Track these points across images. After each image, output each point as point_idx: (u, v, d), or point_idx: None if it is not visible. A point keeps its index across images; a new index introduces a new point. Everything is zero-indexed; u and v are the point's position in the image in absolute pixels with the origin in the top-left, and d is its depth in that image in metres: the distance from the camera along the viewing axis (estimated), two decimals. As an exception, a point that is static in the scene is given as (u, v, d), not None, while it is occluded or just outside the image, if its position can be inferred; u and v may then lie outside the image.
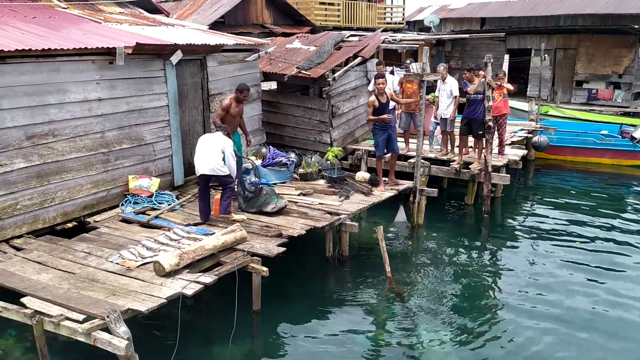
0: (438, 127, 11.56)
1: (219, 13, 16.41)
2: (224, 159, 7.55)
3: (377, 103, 9.11)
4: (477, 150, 10.95)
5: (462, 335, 6.61)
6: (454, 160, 11.04)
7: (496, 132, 10.98)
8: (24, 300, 5.48)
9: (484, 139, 10.44)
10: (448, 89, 10.75)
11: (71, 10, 9.89)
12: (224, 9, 16.65)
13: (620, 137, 15.13)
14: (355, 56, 12.43)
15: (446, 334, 6.62)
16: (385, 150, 9.57)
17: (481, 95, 10.29)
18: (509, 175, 10.99)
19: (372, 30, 18.36)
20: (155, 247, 6.67)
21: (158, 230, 7.42)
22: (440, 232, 10.04)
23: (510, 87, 11.48)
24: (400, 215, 10.12)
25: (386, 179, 9.71)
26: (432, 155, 11.46)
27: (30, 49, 6.77)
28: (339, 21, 21.34)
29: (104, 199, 8.11)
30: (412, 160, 10.68)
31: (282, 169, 9.70)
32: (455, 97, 10.68)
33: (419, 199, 9.82)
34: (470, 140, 11.14)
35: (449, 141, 11.50)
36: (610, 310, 7.18)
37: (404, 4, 26.15)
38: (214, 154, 7.50)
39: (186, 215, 7.90)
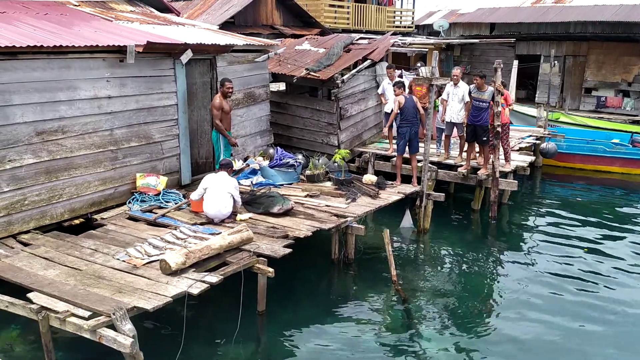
0: (454, 131, 11.37)
1: (229, 13, 16.44)
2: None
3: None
4: (483, 156, 10.90)
5: (466, 341, 6.58)
6: (461, 165, 11.00)
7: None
8: (30, 295, 5.50)
9: (489, 145, 10.42)
10: (460, 93, 10.68)
11: (83, 7, 9.93)
12: (234, 9, 16.69)
13: (631, 146, 15.06)
14: (364, 59, 12.43)
15: (450, 339, 6.59)
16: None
17: (486, 103, 10.24)
18: (516, 182, 10.94)
19: (381, 33, 18.35)
20: (161, 246, 6.67)
21: (165, 228, 7.43)
22: (446, 237, 10.01)
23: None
24: (407, 220, 10.10)
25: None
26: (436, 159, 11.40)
27: (41, 46, 6.79)
28: (348, 24, 21.33)
29: (112, 196, 8.13)
30: (419, 164, 10.64)
31: (289, 170, 9.69)
32: (467, 102, 10.60)
33: (426, 203, 9.79)
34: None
35: (457, 146, 11.47)
36: (615, 319, 7.14)
37: (413, 7, 26.09)
38: (225, 200, 7.57)
39: (193, 214, 7.90)
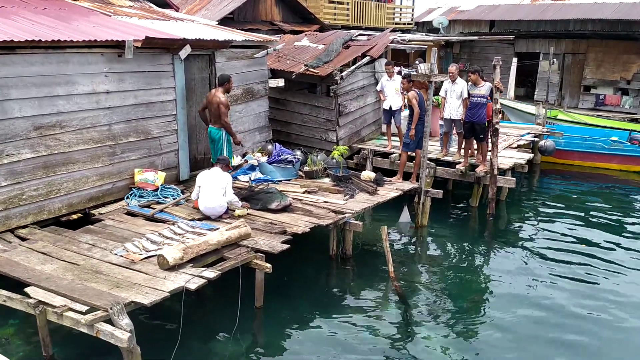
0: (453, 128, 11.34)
1: (228, 9, 16.41)
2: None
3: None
4: (481, 153, 10.91)
5: (462, 337, 6.60)
6: (459, 162, 11.01)
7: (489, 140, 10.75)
8: (27, 290, 5.50)
9: (486, 142, 10.42)
10: (458, 90, 10.65)
11: (81, 2, 9.91)
12: (234, 4, 16.65)
13: (629, 143, 15.10)
14: (363, 55, 12.42)
15: (447, 335, 6.61)
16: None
17: (484, 99, 10.24)
18: (514, 179, 10.96)
19: (381, 30, 18.32)
20: (159, 241, 6.68)
21: (162, 224, 7.43)
22: (444, 234, 10.02)
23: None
24: (405, 216, 10.11)
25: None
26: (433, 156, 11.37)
27: (40, 40, 6.78)
28: (347, 20, 21.29)
29: (110, 191, 8.13)
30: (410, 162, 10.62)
31: (288, 166, 9.69)
32: (465, 99, 10.59)
33: (424, 200, 9.80)
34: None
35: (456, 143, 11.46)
36: (612, 314, 7.17)
37: (413, 4, 26.05)
38: (219, 198, 7.55)
39: (191, 210, 7.90)
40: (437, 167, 10.97)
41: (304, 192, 8.92)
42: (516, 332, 6.74)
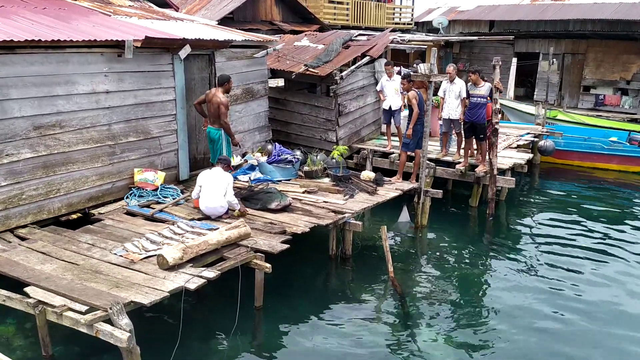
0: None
1: (228, 9, 16.41)
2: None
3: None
4: (481, 153, 10.91)
5: (462, 337, 6.60)
6: (459, 162, 11.01)
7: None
8: (27, 289, 5.50)
9: (486, 141, 10.43)
10: (457, 90, 10.67)
11: (81, 2, 9.91)
12: (233, 4, 16.65)
13: (628, 143, 15.11)
14: (363, 55, 12.42)
15: (446, 335, 6.62)
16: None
17: (484, 99, 10.24)
18: (514, 179, 10.97)
19: (381, 30, 18.33)
20: (159, 241, 6.67)
21: (162, 223, 7.43)
22: (444, 234, 10.02)
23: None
24: (404, 216, 10.12)
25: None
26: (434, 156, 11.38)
27: (39, 40, 6.77)
28: (347, 20, 21.29)
29: (109, 191, 8.12)
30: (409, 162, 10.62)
31: (287, 166, 9.69)
32: (463, 98, 10.61)
33: (424, 199, 9.80)
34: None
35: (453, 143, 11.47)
36: (611, 316, 7.18)
37: (413, 4, 26.05)
38: (220, 198, 7.55)
39: (190, 210, 7.90)
40: (437, 167, 10.97)
41: (303, 192, 8.92)
42: (516, 332, 6.74)
